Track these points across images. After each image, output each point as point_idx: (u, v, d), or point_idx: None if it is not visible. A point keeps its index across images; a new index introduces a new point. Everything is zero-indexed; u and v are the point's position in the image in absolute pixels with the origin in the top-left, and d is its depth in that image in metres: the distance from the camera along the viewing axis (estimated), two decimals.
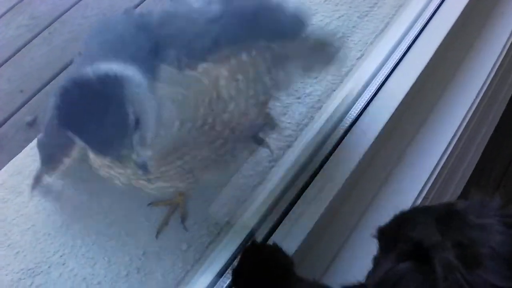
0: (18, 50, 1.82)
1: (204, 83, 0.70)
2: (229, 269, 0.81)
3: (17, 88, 1.72)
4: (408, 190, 0.95)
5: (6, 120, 1.64)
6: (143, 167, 0.61)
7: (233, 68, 0.71)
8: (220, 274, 0.81)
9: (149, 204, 0.94)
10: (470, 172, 1.11)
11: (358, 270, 0.62)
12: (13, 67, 1.78)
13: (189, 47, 0.69)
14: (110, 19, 0.71)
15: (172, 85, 0.68)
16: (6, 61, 1.79)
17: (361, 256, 0.76)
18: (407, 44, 1.10)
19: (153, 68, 0.67)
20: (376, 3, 1.24)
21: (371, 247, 0.60)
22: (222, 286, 0.80)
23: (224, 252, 0.82)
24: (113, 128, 0.59)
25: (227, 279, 0.81)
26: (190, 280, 0.85)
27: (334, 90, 1.07)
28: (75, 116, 0.59)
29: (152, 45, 0.69)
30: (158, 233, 0.93)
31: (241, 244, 0.83)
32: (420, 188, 0.94)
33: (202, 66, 0.69)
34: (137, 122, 0.60)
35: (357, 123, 0.96)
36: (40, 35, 1.86)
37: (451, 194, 1.02)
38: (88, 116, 0.58)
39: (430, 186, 0.94)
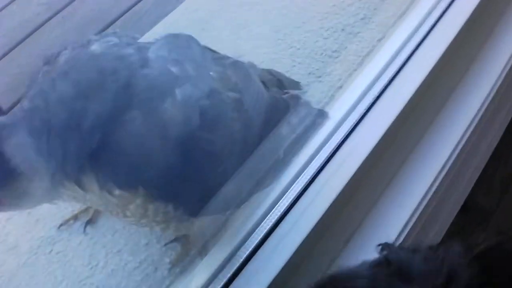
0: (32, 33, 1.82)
1: (112, 202, 0.69)
2: None
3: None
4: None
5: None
6: None
7: (148, 201, 0.69)
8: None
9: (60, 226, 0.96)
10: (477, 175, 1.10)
11: None
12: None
13: (125, 173, 0.67)
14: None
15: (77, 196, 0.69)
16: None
17: None
18: (428, 27, 1.09)
19: (76, 170, 0.66)
20: None
21: None
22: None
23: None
24: None
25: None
26: (210, 250, 0.85)
27: (355, 70, 1.07)
28: None
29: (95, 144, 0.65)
30: None
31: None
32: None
33: (120, 192, 0.67)
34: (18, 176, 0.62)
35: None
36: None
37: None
38: None
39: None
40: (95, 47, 0.69)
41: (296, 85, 1.02)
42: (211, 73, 0.73)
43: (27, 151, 0.62)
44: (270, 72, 0.98)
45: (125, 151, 0.65)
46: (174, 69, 0.69)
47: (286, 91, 0.96)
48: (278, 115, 0.84)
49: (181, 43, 0.75)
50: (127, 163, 0.66)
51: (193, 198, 0.71)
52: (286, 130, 0.86)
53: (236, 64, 0.80)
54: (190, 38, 0.77)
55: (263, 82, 0.88)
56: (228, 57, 0.80)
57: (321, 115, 0.94)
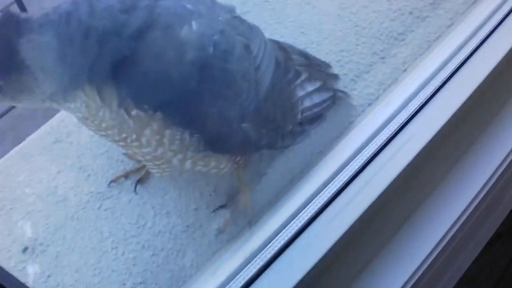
0: None
1: (129, 124, 0.69)
2: None
3: None
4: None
5: None
6: None
7: (165, 126, 0.69)
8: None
9: (110, 182, 0.96)
10: None
11: None
12: None
13: (145, 91, 0.67)
14: None
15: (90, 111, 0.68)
16: None
17: None
18: (500, 16, 1.06)
19: (102, 77, 0.66)
20: None
21: None
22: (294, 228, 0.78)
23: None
24: None
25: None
26: (259, 221, 0.84)
27: (421, 55, 1.04)
28: None
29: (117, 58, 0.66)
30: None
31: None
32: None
33: (137, 111, 0.68)
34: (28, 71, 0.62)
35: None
36: None
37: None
38: None
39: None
40: None
41: (324, 64, 1.02)
42: (220, 18, 0.76)
43: (44, 49, 0.62)
44: (293, 47, 1.01)
45: (146, 69, 0.67)
46: (189, 6, 0.72)
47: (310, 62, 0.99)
48: (287, 77, 0.88)
49: None
50: (147, 82, 0.67)
51: (208, 126, 0.72)
52: (300, 92, 0.89)
53: (243, 19, 0.83)
54: None
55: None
56: (235, 10, 0.83)
57: (342, 93, 0.97)
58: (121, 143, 0.73)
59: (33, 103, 0.69)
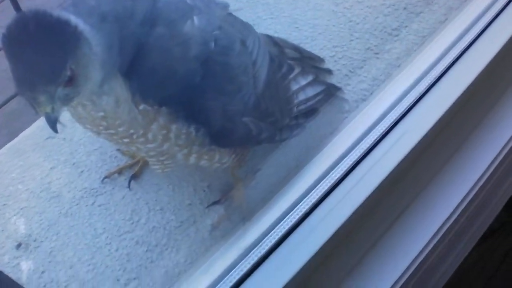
0: None
1: (137, 119, 0.68)
2: None
3: None
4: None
5: None
6: (53, 124, 0.60)
7: (171, 121, 0.70)
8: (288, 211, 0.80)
9: (104, 178, 0.95)
10: None
11: None
12: None
13: (151, 86, 0.68)
14: None
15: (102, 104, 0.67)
16: None
17: None
18: (494, 12, 1.06)
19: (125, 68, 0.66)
20: None
21: None
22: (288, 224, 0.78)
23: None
24: (44, 69, 0.57)
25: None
26: (254, 217, 0.84)
27: (415, 50, 1.04)
28: (19, 41, 0.57)
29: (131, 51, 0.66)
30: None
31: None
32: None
33: (144, 106, 0.68)
34: (71, 79, 0.59)
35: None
36: None
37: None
38: (31, 46, 0.57)
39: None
40: None
41: (318, 58, 1.03)
42: (216, 14, 0.77)
43: (89, 29, 0.61)
44: (286, 41, 1.02)
45: (153, 64, 0.67)
46: (189, 1, 0.73)
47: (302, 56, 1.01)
48: (281, 72, 0.89)
49: None
50: (154, 77, 0.67)
51: (213, 121, 0.73)
52: (294, 86, 0.90)
53: (235, 16, 0.84)
54: None
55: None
56: (228, 7, 0.84)
57: (335, 88, 0.98)
58: (126, 140, 0.72)
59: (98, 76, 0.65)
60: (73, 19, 0.59)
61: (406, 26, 1.08)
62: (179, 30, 0.69)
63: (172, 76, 0.68)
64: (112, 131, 0.70)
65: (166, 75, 0.68)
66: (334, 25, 1.10)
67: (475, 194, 0.89)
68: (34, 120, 1.08)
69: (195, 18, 0.71)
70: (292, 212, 0.79)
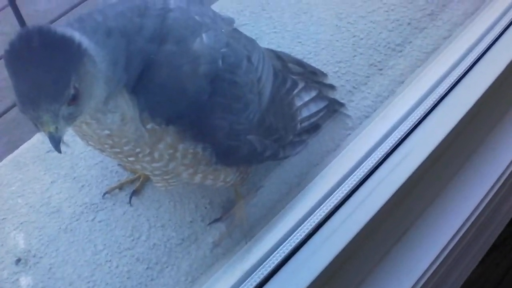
0: None
1: (144, 137, 0.68)
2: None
3: None
4: None
5: None
6: (56, 144, 0.59)
7: (178, 140, 0.69)
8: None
9: (104, 194, 0.95)
10: None
11: None
12: None
13: (160, 105, 0.67)
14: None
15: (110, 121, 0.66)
16: None
17: None
18: (500, 29, 1.05)
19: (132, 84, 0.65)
20: None
21: None
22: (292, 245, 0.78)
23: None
24: (48, 87, 0.56)
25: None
26: (256, 235, 0.83)
27: (419, 67, 1.03)
28: (22, 58, 0.56)
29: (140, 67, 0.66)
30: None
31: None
32: None
33: (152, 125, 0.67)
34: (75, 97, 0.58)
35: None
36: None
37: None
38: (34, 63, 0.56)
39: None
40: None
41: (321, 73, 1.03)
42: (222, 30, 0.76)
43: (93, 46, 0.61)
44: (289, 56, 1.02)
45: (162, 83, 0.66)
46: (197, 18, 0.73)
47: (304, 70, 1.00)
48: (285, 87, 0.89)
49: None
50: (162, 95, 0.66)
51: (220, 140, 0.72)
52: (298, 102, 0.90)
53: (240, 31, 0.84)
54: None
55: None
56: (233, 23, 0.85)
57: (338, 103, 0.98)
58: (131, 159, 0.72)
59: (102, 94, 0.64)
60: (77, 36, 0.58)
61: (410, 42, 1.08)
62: (188, 47, 0.69)
63: (181, 94, 0.68)
64: (117, 150, 0.69)
65: (175, 93, 0.68)
66: (337, 40, 1.09)
67: (480, 212, 0.89)
68: (35, 131, 1.07)
69: (204, 36, 0.70)
70: (296, 232, 0.78)
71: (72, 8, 1.82)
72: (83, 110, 0.61)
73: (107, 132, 0.67)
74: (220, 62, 0.71)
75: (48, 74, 0.56)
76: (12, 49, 0.56)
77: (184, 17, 0.72)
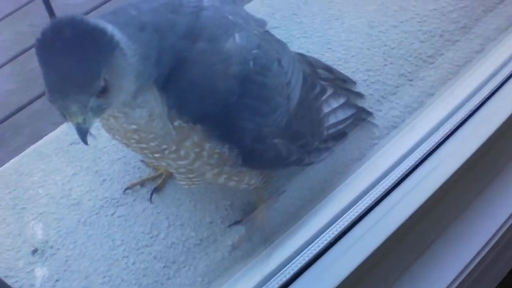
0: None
1: (171, 134, 0.67)
2: None
3: None
4: None
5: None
6: (83, 135, 0.58)
7: (205, 139, 0.68)
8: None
9: (125, 189, 0.94)
10: None
11: None
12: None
13: (189, 103, 0.66)
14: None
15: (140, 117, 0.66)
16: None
17: None
18: None
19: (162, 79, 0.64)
20: (503, 0, 1.18)
21: None
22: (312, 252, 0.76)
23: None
24: (78, 77, 0.55)
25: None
26: (276, 240, 0.82)
27: (450, 79, 1.01)
28: (53, 47, 0.55)
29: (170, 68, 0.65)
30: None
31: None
32: None
33: (179, 122, 0.66)
34: (105, 90, 0.57)
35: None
36: None
37: None
38: (65, 53, 0.55)
39: None
40: None
41: (350, 81, 1.03)
42: (255, 31, 0.75)
43: (125, 39, 0.60)
44: (319, 61, 1.02)
45: (192, 81, 0.66)
46: (231, 17, 0.72)
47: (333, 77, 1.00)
48: (314, 93, 0.88)
49: None
50: (192, 94, 0.66)
51: (247, 142, 0.72)
52: (326, 108, 0.89)
53: (271, 33, 0.84)
54: None
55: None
56: (265, 24, 0.84)
57: (365, 112, 0.97)
58: (157, 155, 0.71)
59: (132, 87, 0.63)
60: (110, 28, 0.58)
61: (442, 54, 1.06)
62: (221, 46, 0.68)
63: (211, 93, 0.67)
64: (143, 145, 0.68)
65: (205, 92, 0.67)
66: (368, 48, 1.08)
67: (506, 230, 0.87)
68: (56, 122, 1.07)
69: (237, 36, 0.70)
70: (317, 240, 0.77)
71: (103, 3, 1.83)
72: (112, 103, 0.60)
73: (134, 127, 0.66)
74: (251, 63, 0.71)
75: (78, 64, 0.56)
76: (44, 38, 0.55)
77: (218, 16, 0.72)
